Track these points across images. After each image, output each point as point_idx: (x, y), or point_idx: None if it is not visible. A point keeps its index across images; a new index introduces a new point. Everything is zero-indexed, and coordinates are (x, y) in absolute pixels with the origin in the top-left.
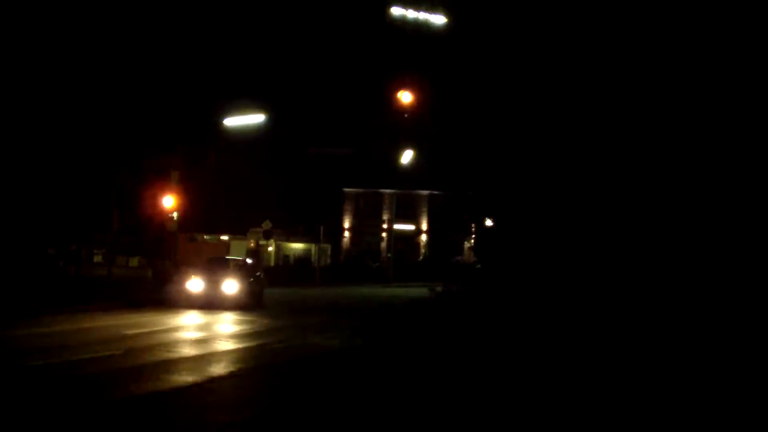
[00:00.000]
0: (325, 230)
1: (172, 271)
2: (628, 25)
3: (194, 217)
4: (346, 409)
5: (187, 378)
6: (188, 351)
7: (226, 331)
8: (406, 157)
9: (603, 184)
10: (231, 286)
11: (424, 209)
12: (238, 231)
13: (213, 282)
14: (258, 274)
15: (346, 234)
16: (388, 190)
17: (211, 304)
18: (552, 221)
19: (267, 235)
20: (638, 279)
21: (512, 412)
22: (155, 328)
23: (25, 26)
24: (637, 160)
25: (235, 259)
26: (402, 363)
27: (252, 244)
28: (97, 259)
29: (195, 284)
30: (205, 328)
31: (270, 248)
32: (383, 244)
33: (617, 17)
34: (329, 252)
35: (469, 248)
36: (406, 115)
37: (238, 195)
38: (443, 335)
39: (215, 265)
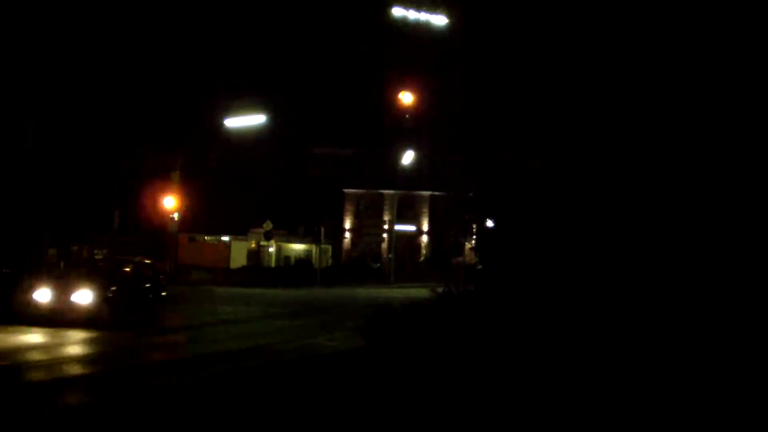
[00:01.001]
0: (325, 231)
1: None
2: (631, 29)
3: (195, 218)
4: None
5: None
6: None
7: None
8: (407, 157)
9: (604, 186)
10: (84, 296)
11: (425, 210)
12: (239, 231)
13: (63, 291)
14: (147, 279)
15: (347, 235)
16: (389, 191)
17: (60, 318)
18: (553, 223)
19: (268, 236)
20: (641, 279)
21: (516, 417)
22: None
23: (28, 29)
24: (640, 159)
25: (109, 260)
26: (406, 365)
27: (253, 245)
28: None
29: (42, 294)
30: None
31: (271, 249)
32: (384, 245)
33: (620, 20)
34: (330, 253)
35: (471, 249)
36: (407, 116)
37: (239, 195)
38: (446, 337)
39: (77, 268)
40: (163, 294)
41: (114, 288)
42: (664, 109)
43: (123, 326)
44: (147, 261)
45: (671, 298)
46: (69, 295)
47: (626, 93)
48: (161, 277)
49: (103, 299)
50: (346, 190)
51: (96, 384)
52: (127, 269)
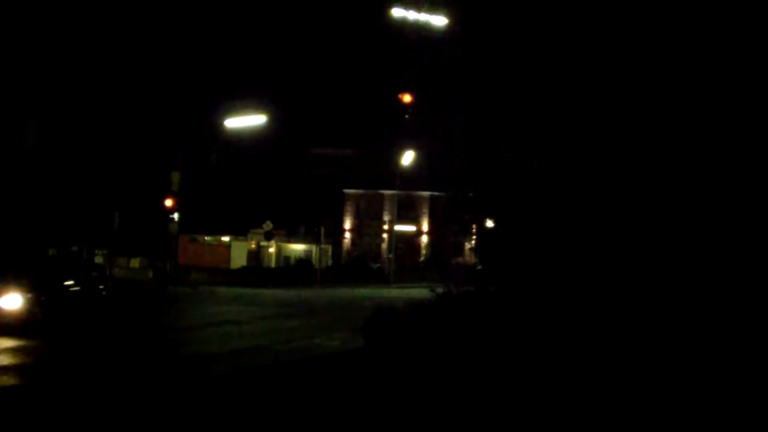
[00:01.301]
0: (325, 231)
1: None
2: (632, 30)
3: (195, 218)
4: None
5: None
6: None
7: None
8: (407, 157)
9: (604, 186)
10: (13, 300)
11: (425, 210)
12: (239, 232)
13: None
14: (93, 281)
15: (347, 235)
16: (388, 191)
17: None
18: (553, 223)
19: (268, 236)
20: (640, 278)
21: (516, 416)
22: None
23: (28, 29)
24: (639, 159)
25: (48, 261)
26: (406, 365)
27: (253, 245)
28: (98, 260)
29: None
30: None
31: (271, 249)
32: (384, 245)
33: (622, 22)
34: (330, 253)
35: (470, 249)
36: (406, 116)
37: (239, 196)
38: (446, 337)
39: (10, 271)
40: (104, 295)
41: (51, 291)
42: (662, 108)
43: (58, 332)
44: (93, 261)
45: (671, 297)
46: None
47: (625, 92)
48: (109, 281)
49: (36, 303)
50: (346, 190)
51: None
52: (69, 270)
